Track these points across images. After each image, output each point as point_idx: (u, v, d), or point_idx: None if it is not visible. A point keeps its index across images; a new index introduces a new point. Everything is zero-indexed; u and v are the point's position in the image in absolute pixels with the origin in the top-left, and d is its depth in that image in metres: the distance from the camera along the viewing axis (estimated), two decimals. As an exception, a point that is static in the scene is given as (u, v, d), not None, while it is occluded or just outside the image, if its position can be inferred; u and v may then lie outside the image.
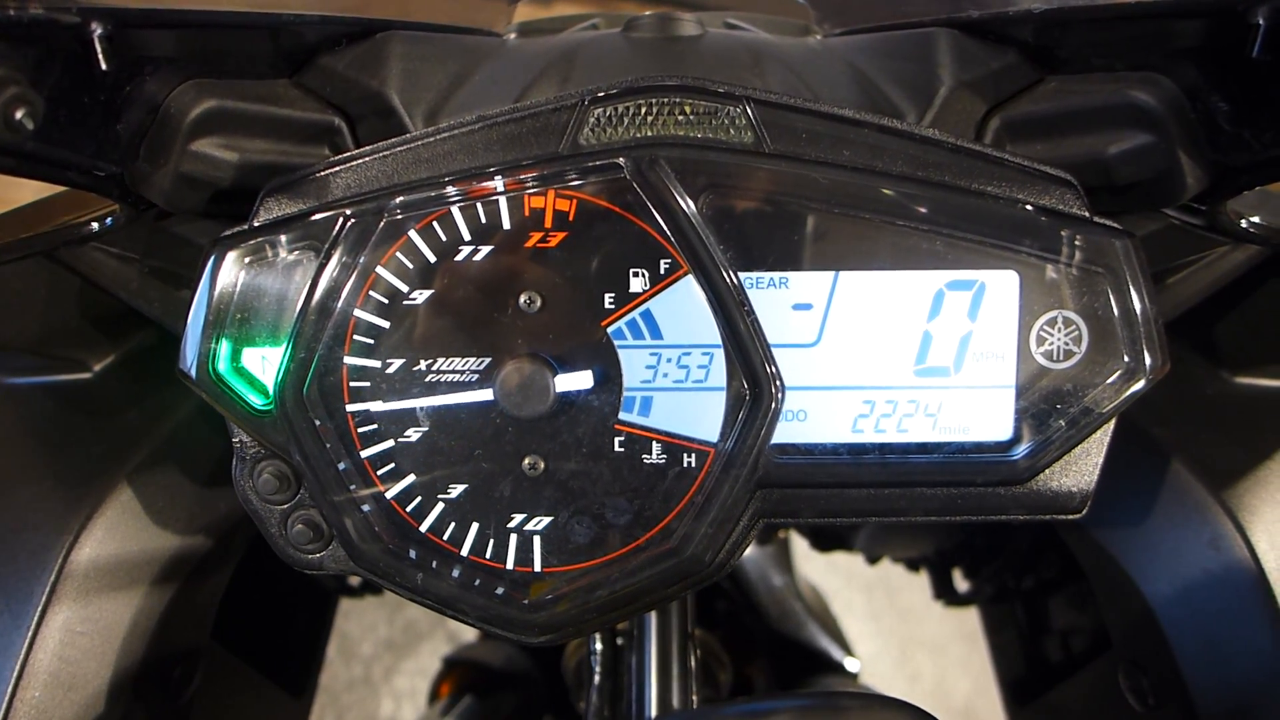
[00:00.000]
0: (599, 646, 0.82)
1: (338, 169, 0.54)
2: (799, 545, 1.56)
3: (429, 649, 2.67)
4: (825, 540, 1.26)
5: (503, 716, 1.24)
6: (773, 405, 0.53)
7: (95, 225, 0.60)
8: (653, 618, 0.74)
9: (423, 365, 0.55)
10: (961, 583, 1.19)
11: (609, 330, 0.54)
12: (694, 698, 0.71)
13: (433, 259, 0.54)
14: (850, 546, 1.24)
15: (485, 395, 0.54)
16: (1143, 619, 0.69)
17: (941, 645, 2.76)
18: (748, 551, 1.49)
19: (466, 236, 0.54)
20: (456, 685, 1.33)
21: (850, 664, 1.33)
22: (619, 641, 0.81)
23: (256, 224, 0.54)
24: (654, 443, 0.55)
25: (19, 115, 0.42)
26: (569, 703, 1.10)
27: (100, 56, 0.47)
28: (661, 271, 0.54)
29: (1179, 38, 0.54)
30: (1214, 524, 0.65)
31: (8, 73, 0.43)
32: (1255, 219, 0.58)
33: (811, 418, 0.55)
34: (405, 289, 0.54)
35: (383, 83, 0.60)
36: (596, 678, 0.80)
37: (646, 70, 0.64)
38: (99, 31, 0.47)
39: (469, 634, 2.44)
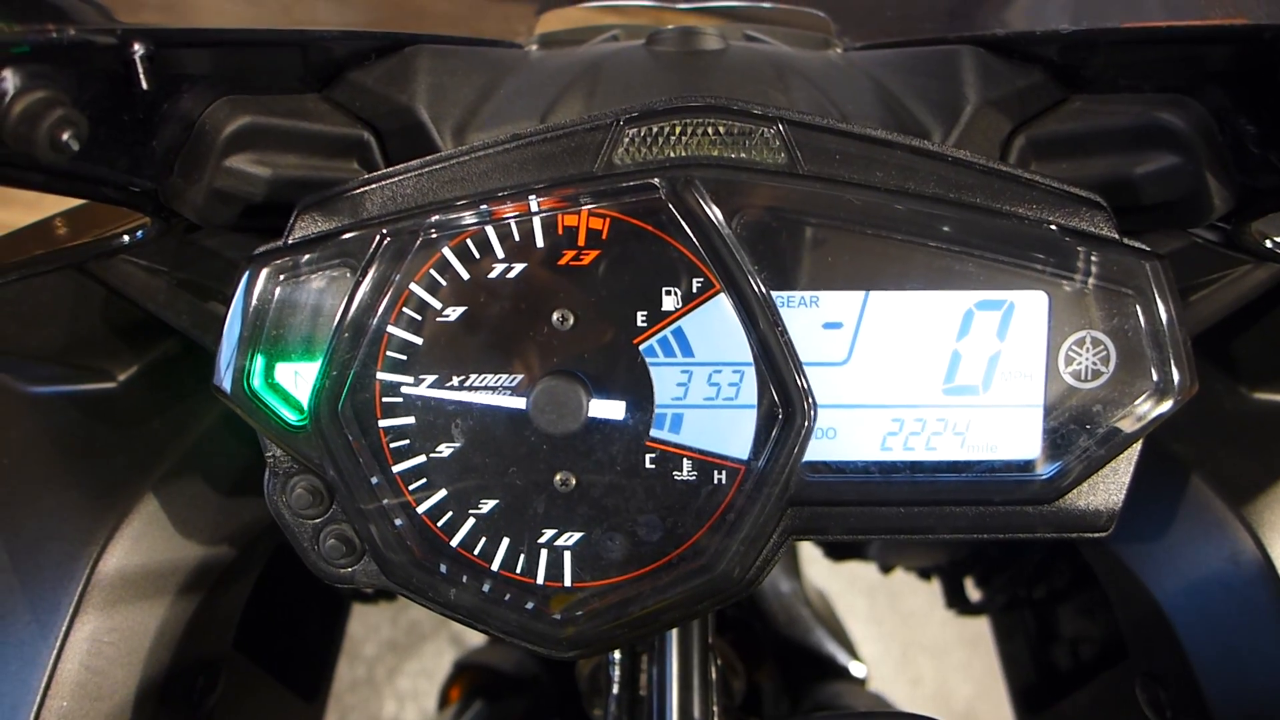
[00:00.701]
0: (618, 656, 0.82)
1: (372, 187, 0.54)
2: (806, 551, 1.57)
3: (432, 650, 2.68)
4: (840, 550, 1.27)
5: (513, 722, 1.25)
6: (805, 423, 0.53)
7: (125, 238, 0.60)
8: (674, 629, 0.74)
9: (455, 381, 0.55)
10: (973, 592, 1.20)
11: (641, 348, 0.55)
12: (715, 709, 0.72)
13: (466, 276, 0.54)
14: (865, 556, 1.25)
15: (518, 411, 0.55)
16: (1161, 632, 0.69)
17: (943, 649, 2.76)
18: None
19: (500, 254, 0.54)
20: (466, 690, 1.34)
21: (857, 669, 1.33)
22: (637, 650, 0.82)
23: (291, 241, 0.54)
24: (685, 460, 0.55)
25: (65, 137, 0.43)
26: (580, 709, 1.10)
27: (141, 76, 0.48)
28: (694, 290, 0.54)
29: (1207, 61, 0.54)
30: (1233, 539, 0.66)
31: (53, 94, 0.43)
32: (1280, 239, 0.58)
33: (841, 436, 0.56)
34: (439, 306, 0.54)
35: (411, 97, 0.61)
36: (615, 687, 0.80)
37: (671, 84, 0.64)
38: (140, 52, 0.47)
39: (472, 636, 2.44)
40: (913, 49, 0.67)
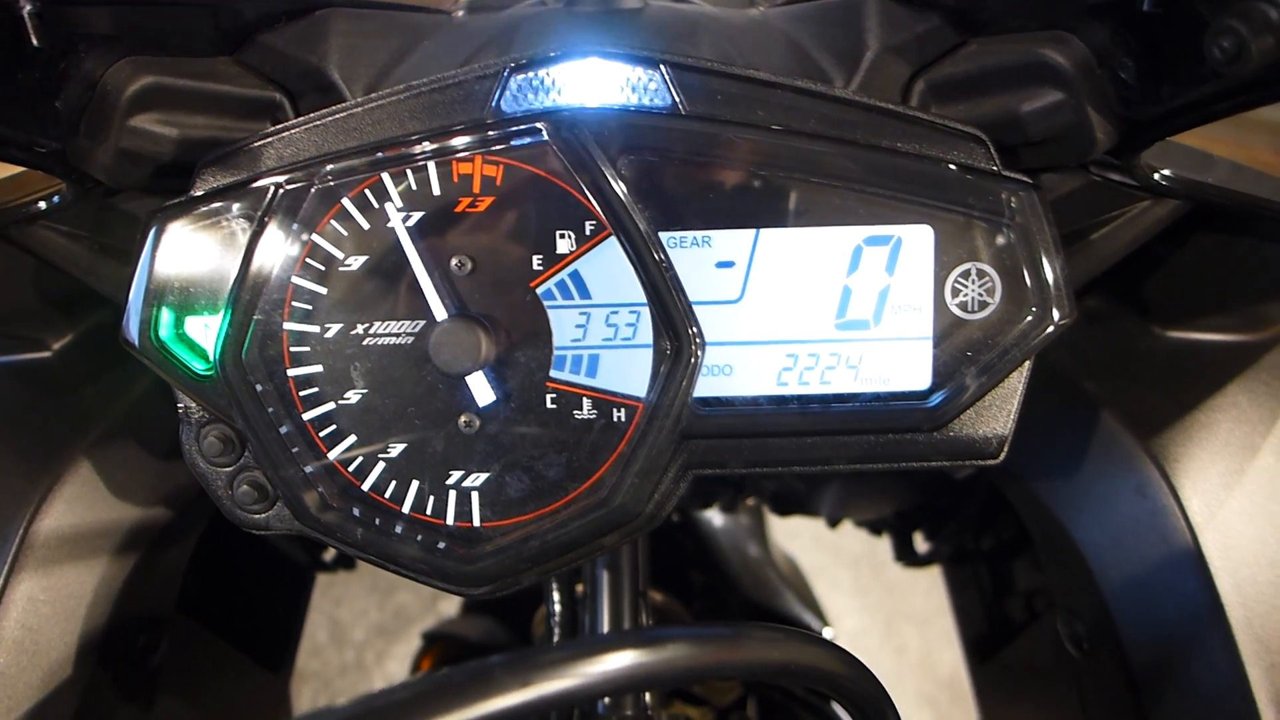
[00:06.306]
0: (558, 609, 0.84)
1: (270, 140, 0.56)
2: (794, 524, 1.59)
3: (419, 633, 2.70)
4: (785, 504, 1.28)
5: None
6: (693, 360, 0.55)
7: (43, 204, 0.61)
8: (605, 576, 0.76)
9: (360, 329, 0.56)
10: (923, 545, 1.22)
11: (538, 291, 0.56)
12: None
13: (366, 226, 0.56)
14: (810, 510, 1.26)
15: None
16: (1076, 566, 0.71)
17: (927, 619, 2.79)
18: (722, 522, 1.51)
19: (399, 203, 0.55)
20: (437, 660, 1.36)
21: (826, 634, 1.35)
22: (577, 601, 0.83)
23: (194, 195, 0.55)
24: (584, 399, 0.57)
25: None
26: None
27: (31, 33, 0.49)
28: (587, 233, 0.55)
29: (1084, -4, 0.55)
30: (1140, 472, 0.68)
31: None
32: (1166, 171, 0.59)
33: (737, 372, 0.57)
34: (341, 255, 0.56)
35: (322, 58, 0.62)
36: (555, 637, 0.82)
37: (585, 42, 0.66)
38: (28, 9, 0.48)
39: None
40: (822, 2, 0.69)
